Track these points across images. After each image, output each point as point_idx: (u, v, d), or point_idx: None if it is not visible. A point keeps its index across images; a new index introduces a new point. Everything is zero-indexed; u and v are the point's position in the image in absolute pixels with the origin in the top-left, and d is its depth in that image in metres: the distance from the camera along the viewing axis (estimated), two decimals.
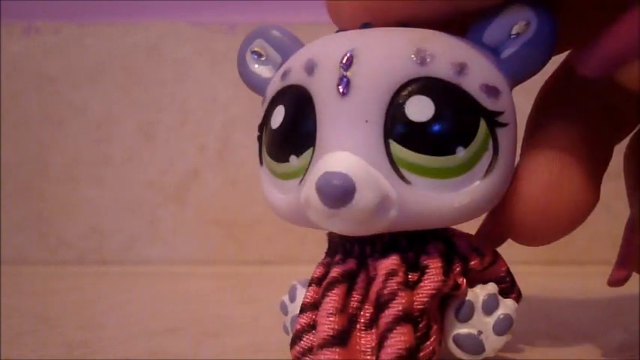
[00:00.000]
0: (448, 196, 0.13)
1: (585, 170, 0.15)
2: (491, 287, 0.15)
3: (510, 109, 0.14)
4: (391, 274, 0.14)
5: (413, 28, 0.14)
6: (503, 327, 0.14)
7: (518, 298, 0.16)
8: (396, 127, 0.13)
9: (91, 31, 0.38)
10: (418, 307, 0.14)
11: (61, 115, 0.38)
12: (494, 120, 0.13)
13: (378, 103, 0.13)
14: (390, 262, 0.14)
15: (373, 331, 0.14)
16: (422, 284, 0.14)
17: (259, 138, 0.16)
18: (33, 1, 0.38)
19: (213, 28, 0.37)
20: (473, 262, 0.15)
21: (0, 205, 0.38)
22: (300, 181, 0.14)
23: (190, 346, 0.19)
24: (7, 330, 0.21)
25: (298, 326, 0.14)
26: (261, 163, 0.16)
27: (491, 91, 0.13)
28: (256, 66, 0.16)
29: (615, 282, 0.17)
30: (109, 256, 0.37)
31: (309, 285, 0.15)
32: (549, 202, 0.14)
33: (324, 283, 0.14)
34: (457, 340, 0.14)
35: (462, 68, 0.13)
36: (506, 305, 0.14)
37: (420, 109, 0.13)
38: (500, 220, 0.15)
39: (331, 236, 0.16)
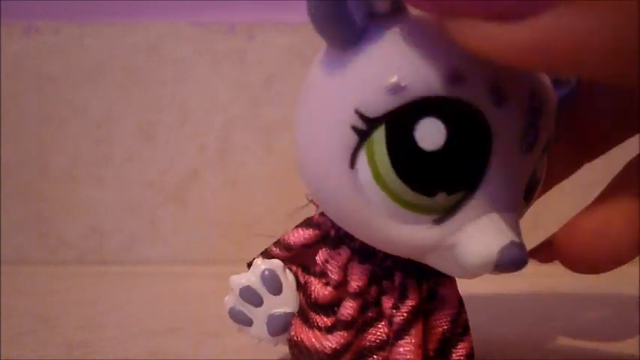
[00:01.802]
0: None
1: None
2: None
3: None
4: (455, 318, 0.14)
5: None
6: None
7: None
8: (529, 187, 0.13)
9: (91, 31, 0.38)
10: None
11: (61, 115, 0.38)
12: None
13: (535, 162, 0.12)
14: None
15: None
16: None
17: (361, 132, 0.11)
18: (33, 1, 0.38)
19: (213, 28, 0.37)
20: None
21: (0, 205, 0.38)
22: (438, 220, 0.12)
23: (190, 346, 0.19)
24: (7, 330, 0.21)
25: (336, 345, 0.14)
26: (353, 165, 0.12)
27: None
28: None
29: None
30: (109, 256, 0.37)
31: (350, 299, 0.14)
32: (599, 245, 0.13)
33: (398, 326, 0.14)
34: None
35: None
36: None
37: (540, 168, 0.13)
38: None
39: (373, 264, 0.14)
